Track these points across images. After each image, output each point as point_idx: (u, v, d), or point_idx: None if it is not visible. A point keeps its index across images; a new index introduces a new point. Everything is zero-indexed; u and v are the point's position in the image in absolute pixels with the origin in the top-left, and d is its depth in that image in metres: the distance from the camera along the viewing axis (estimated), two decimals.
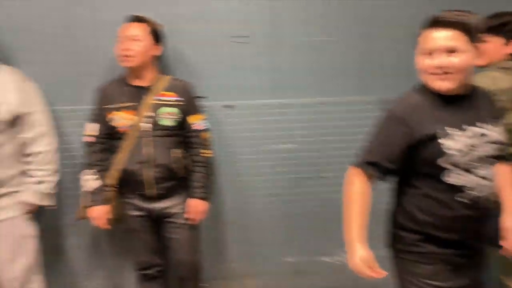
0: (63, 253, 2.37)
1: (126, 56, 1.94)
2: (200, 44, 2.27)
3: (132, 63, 1.95)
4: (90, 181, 2.01)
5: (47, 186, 2.00)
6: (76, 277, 2.41)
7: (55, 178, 2.03)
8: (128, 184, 2.01)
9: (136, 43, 1.95)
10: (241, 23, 2.28)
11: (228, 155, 2.37)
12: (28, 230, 2.00)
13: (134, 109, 1.98)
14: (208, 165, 2.13)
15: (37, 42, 2.18)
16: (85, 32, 2.20)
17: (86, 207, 2.04)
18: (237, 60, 2.31)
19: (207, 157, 2.11)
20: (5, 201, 1.93)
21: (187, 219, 2.07)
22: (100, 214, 2.01)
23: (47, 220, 2.19)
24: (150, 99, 1.99)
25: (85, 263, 2.40)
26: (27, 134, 1.95)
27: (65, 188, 2.25)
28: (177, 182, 2.05)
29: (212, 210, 2.24)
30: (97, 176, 2.01)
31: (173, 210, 2.06)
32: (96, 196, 2.01)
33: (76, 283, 2.41)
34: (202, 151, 2.09)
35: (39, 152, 1.97)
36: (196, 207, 2.07)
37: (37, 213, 2.05)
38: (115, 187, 2.02)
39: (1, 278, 1.97)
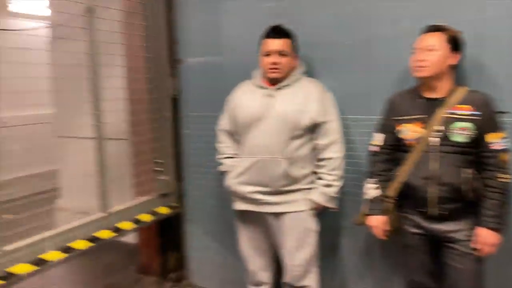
0: (338, 252, 2.51)
1: (420, 66, 1.87)
2: (505, 51, 1.98)
3: (426, 73, 1.86)
4: (371, 189, 2.05)
5: (333, 190, 2.17)
6: (347, 278, 2.52)
7: (340, 183, 2.19)
8: (408, 198, 1.94)
9: (431, 53, 1.85)
10: None
11: None
12: (312, 225, 2.22)
13: (424, 121, 1.89)
14: (504, 192, 1.83)
15: (337, 55, 2.37)
16: (381, 44, 2.25)
17: (365, 214, 2.09)
18: None
19: (504, 182, 1.82)
20: (297, 195, 2.19)
21: (472, 249, 1.85)
22: (378, 223, 2.03)
23: (327, 219, 2.35)
24: (442, 112, 1.86)
25: (356, 266, 2.48)
26: (321, 141, 2.17)
27: (346, 192, 2.36)
28: (464, 205, 1.84)
29: (504, 244, 1.91)
30: (378, 186, 2.03)
31: (456, 236, 1.87)
32: (376, 205, 2.03)
33: (345, 283, 2.52)
34: (498, 175, 1.82)
35: (330, 158, 2.16)
36: (485, 237, 1.82)
37: (321, 212, 2.24)
38: (395, 200, 1.99)
39: (286, 263, 2.25)
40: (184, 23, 2.81)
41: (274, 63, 2.13)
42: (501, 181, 1.82)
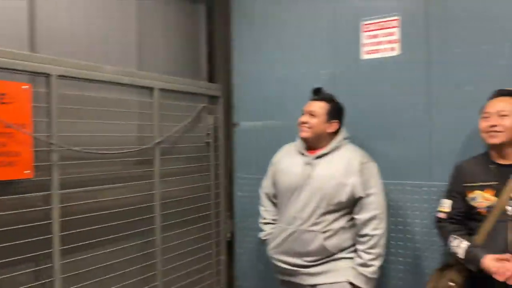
0: None
1: (494, 131, 1.80)
2: None
3: (499, 139, 1.79)
4: (458, 246, 1.83)
5: (371, 270, 2.00)
6: None
7: (379, 262, 2.01)
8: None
9: (504, 118, 1.79)
10: None
11: None
12: None
13: (496, 189, 1.79)
14: None
15: (398, 120, 2.31)
16: (442, 109, 2.21)
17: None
18: None
19: None
20: (335, 265, 2.03)
21: None
22: (492, 262, 1.71)
23: None
24: None
25: None
26: (360, 216, 2.02)
27: (415, 264, 2.27)
28: None
29: None
30: (461, 239, 1.83)
31: None
32: (476, 253, 1.76)
33: None
34: None
35: (369, 235, 2.00)
36: None
37: None
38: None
39: None
40: (240, 90, 2.87)
41: (303, 122, 2.12)
42: None
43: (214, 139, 2.87)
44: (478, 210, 1.82)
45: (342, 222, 2.04)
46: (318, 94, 2.18)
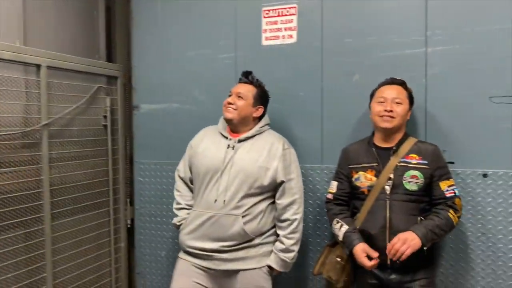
0: None
1: (390, 116, 1.91)
2: (452, 105, 2.10)
3: (393, 123, 1.92)
4: (338, 229, 1.98)
5: (291, 256, 2.03)
6: None
7: (298, 247, 2.05)
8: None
9: (399, 105, 1.93)
10: (503, 81, 2.01)
11: (482, 230, 2.06)
12: (266, 283, 2.06)
13: (376, 170, 1.94)
14: (447, 224, 1.83)
15: (292, 105, 2.40)
16: (333, 95, 2.32)
17: (323, 262, 2.05)
18: (496, 123, 2.03)
19: (451, 219, 1.84)
20: (252, 252, 2.03)
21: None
22: (361, 251, 1.88)
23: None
24: (394, 161, 1.92)
25: None
26: (281, 200, 2.04)
27: (308, 242, 2.36)
28: (419, 254, 1.82)
29: None
30: (342, 223, 1.98)
31: (413, 286, 1.87)
32: (351, 238, 1.93)
33: None
34: (450, 210, 1.85)
35: (289, 220, 2.03)
36: (407, 237, 1.79)
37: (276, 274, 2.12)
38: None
39: None
40: (141, 71, 2.75)
41: (229, 103, 2.09)
42: (450, 216, 1.84)
43: (112, 122, 2.75)
44: (361, 189, 1.97)
45: (262, 206, 2.04)
46: (247, 77, 2.16)
